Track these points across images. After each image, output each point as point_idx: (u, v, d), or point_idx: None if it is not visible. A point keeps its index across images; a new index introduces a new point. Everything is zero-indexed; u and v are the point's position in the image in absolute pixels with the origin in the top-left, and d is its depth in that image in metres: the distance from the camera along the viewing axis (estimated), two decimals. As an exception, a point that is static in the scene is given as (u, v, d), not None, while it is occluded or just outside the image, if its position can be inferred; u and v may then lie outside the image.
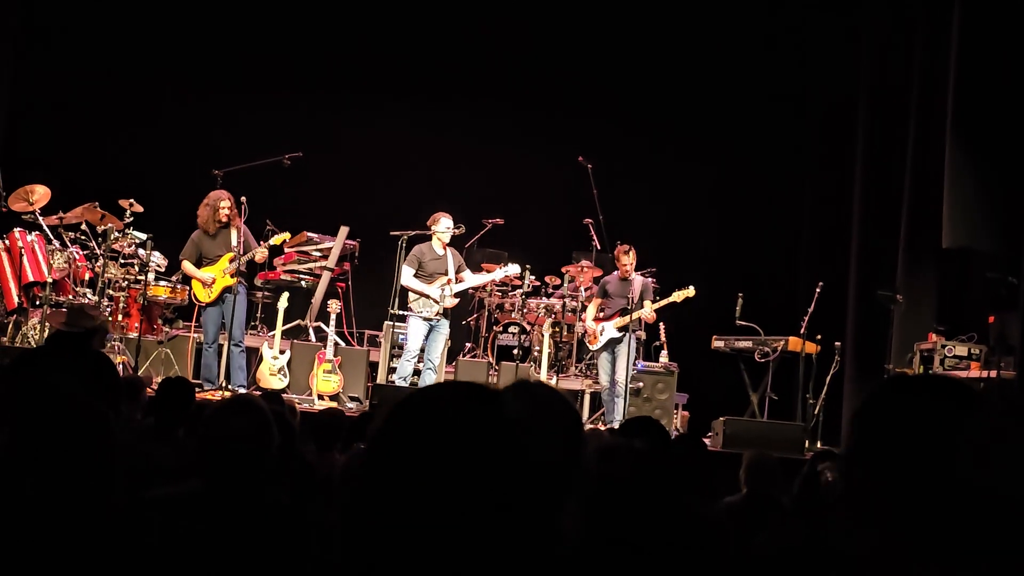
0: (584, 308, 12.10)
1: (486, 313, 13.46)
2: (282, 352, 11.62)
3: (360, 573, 1.62)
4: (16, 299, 11.08)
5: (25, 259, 11.06)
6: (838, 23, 13.77)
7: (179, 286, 11.73)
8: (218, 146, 13.34)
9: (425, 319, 11.14)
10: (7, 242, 11.21)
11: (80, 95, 13.95)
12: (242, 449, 3.17)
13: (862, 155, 13.12)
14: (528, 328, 12.86)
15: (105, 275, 11.29)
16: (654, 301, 11.50)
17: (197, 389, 9.57)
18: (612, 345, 11.48)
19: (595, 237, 13.14)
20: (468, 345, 13.46)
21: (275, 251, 11.99)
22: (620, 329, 11.41)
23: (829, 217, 13.68)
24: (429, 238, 11.36)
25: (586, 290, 12.60)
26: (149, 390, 7.12)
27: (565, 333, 12.73)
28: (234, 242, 10.93)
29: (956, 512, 1.63)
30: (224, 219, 10.98)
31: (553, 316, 12.74)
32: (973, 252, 11.41)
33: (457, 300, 11.41)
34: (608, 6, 14.89)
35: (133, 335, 11.17)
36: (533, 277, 12.44)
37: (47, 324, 10.60)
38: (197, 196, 11.42)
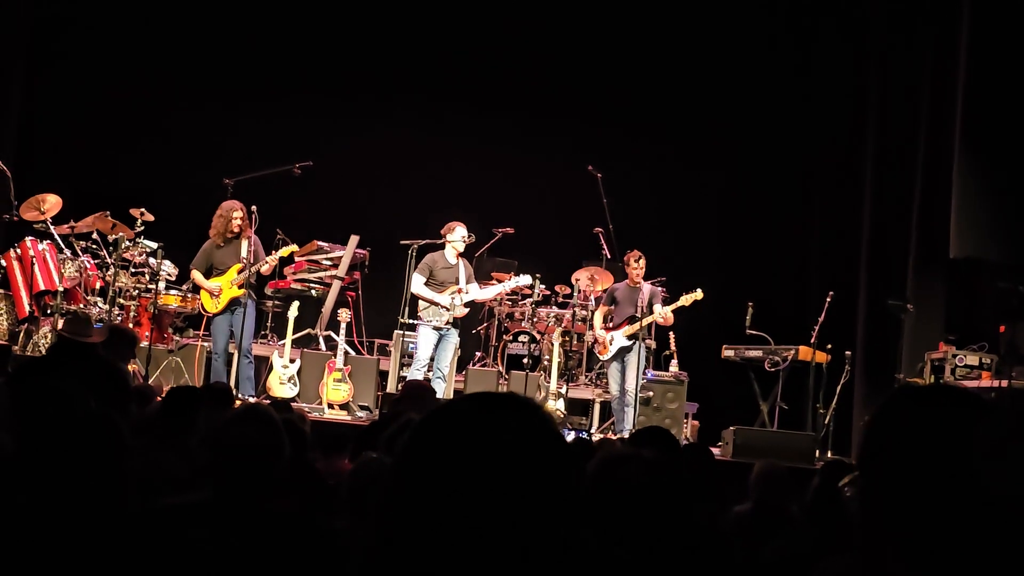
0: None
1: (496, 322, 13.45)
2: (292, 361, 11.63)
3: None
4: (27, 308, 11.11)
5: (36, 268, 11.09)
6: (847, 32, 13.75)
7: (189, 295, 11.75)
8: (229, 155, 13.37)
9: (435, 328, 11.14)
10: (19, 251, 11.25)
11: (91, 104, 14.01)
12: (253, 458, 3.17)
13: (872, 163, 13.09)
14: (538, 337, 12.85)
15: (116, 284, 11.32)
16: (665, 305, 11.47)
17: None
18: (622, 354, 11.46)
19: (605, 246, 13.13)
20: (478, 354, 13.45)
21: (285, 260, 12.00)
22: (630, 337, 11.39)
23: (839, 226, 13.65)
24: (439, 247, 11.35)
25: (597, 300, 12.58)
26: (158, 398, 7.13)
27: (575, 342, 12.71)
28: (244, 253, 10.92)
29: (968, 522, 1.62)
30: (236, 229, 10.98)
31: (563, 325, 12.72)
32: (983, 262, 11.38)
33: (467, 310, 11.41)
34: (619, 14, 14.90)
35: (144, 344, 11.18)
36: (543, 286, 12.42)
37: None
38: (208, 205, 11.44)
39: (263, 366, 11.64)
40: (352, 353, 12.26)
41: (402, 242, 11.47)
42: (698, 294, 11.31)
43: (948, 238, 10.99)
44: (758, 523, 4.91)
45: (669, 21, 14.70)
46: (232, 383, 11.01)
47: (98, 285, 11.53)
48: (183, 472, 4.44)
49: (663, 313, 11.32)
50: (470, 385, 12.02)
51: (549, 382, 11.73)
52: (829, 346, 11.82)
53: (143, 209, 11.76)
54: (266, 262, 11.00)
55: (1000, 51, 10.86)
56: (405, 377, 11.37)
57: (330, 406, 11.41)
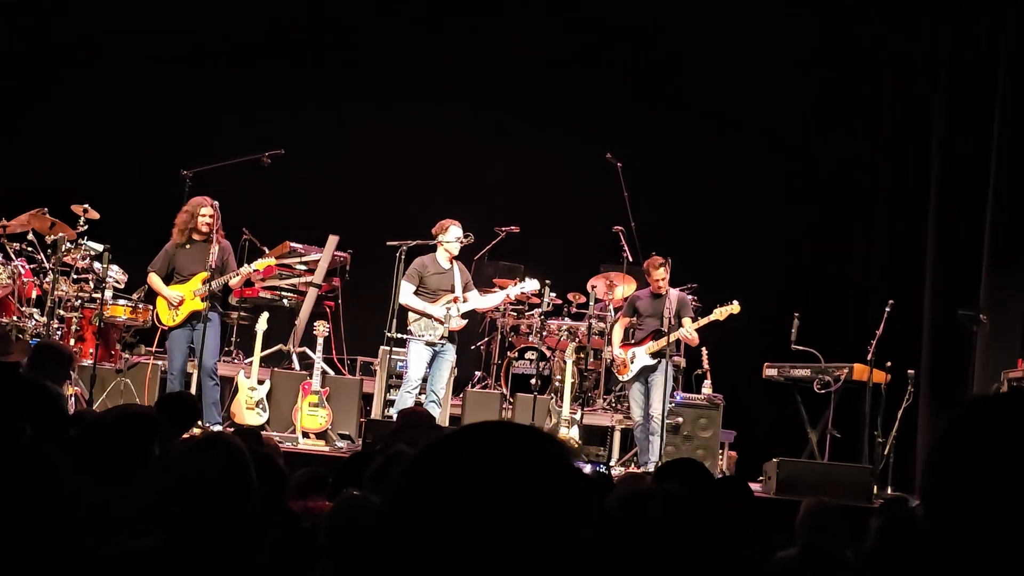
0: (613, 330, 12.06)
1: (499, 336, 13.45)
2: (261, 382, 11.62)
3: None
4: (-49, 321, 11.11)
5: (-38, 274, 11.10)
6: (914, 19, 13.78)
7: (141, 306, 11.74)
8: (187, 142, 13.37)
9: (428, 343, 11.14)
10: (-61, 255, 11.27)
11: (24, 84, 14.01)
12: (214, 497, 3.16)
13: (939, 155, 13.08)
14: (548, 354, 12.83)
15: (55, 293, 11.31)
16: (694, 320, 11.47)
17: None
18: (645, 374, 11.45)
19: (626, 247, 13.11)
20: (478, 374, 13.44)
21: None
22: (654, 355, 11.38)
23: (902, 225, 13.64)
24: (432, 249, 11.35)
25: (616, 310, 12.57)
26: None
27: (591, 360, 12.70)
28: (212, 259, 10.89)
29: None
30: (204, 230, 10.93)
31: (577, 340, 12.71)
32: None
33: (465, 321, 11.41)
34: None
35: (88, 362, 11.17)
36: (554, 295, 12.42)
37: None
38: (163, 200, 11.45)
39: (227, 388, 11.63)
40: (331, 373, 12.25)
41: (389, 243, 11.46)
42: (734, 307, 11.28)
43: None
44: (806, 571, 4.89)
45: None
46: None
47: (34, 294, 11.53)
48: (131, 513, 4.43)
49: (687, 332, 11.29)
50: (469, 410, 12.01)
51: (561, 407, 11.72)
52: (889, 364, 11.80)
53: (87, 206, 11.76)
54: (237, 273, 10.97)
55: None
56: (392, 401, 11.37)
57: (305, 435, 11.40)
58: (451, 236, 11.25)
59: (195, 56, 14.41)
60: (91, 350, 11.26)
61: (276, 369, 12.15)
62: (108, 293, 11.46)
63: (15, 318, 11.17)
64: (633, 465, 11.55)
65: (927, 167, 13.23)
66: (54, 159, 13.63)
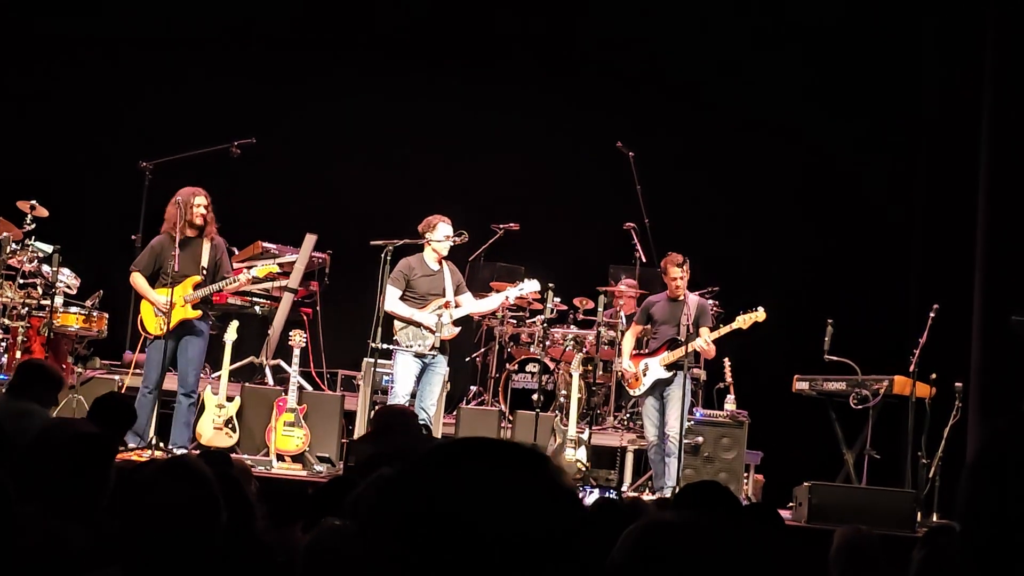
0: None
1: (496, 347, 13.45)
2: (230, 399, 11.61)
3: None
4: None
5: None
6: (957, 4, 13.85)
7: (95, 314, 11.73)
8: (147, 130, 13.38)
9: (416, 355, 11.13)
10: None
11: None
12: (176, 527, 3.16)
13: (988, 146, 13.09)
14: (551, 366, 12.83)
15: (-1, 299, 11.33)
16: (713, 328, 11.45)
17: (120, 447, 9.55)
18: (660, 388, 11.43)
19: (639, 246, 13.13)
20: (473, 389, 13.44)
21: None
22: (669, 367, 11.37)
23: (947, 222, 13.64)
24: (421, 249, 11.35)
25: (628, 317, 12.57)
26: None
27: (600, 373, 12.71)
28: (204, 260, 10.84)
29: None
30: (199, 223, 10.84)
31: (584, 350, 12.71)
32: None
33: (458, 330, 11.40)
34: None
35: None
36: (558, 299, 12.42)
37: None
38: (118, 195, 11.46)
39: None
40: (308, 388, 12.24)
41: (373, 243, 11.46)
42: (759, 314, 11.27)
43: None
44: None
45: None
46: (153, 427, 10.97)
47: (-24, 301, 11.53)
48: (86, 543, 4.43)
49: (703, 343, 11.27)
50: (463, 429, 11.99)
51: (567, 425, 11.72)
52: (934, 376, 11.80)
53: (34, 202, 11.76)
54: (235, 279, 10.89)
55: None
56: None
57: (280, 457, 11.40)
58: (439, 234, 11.23)
59: (154, 38, 14.39)
60: (40, 363, 11.24)
61: (247, 384, 12.14)
62: (58, 299, 11.44)
63: (-46, 328, 11.17)
64: (647, 491, 11.54)
65: (974, 158, 13.23)
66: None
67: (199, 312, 10.82)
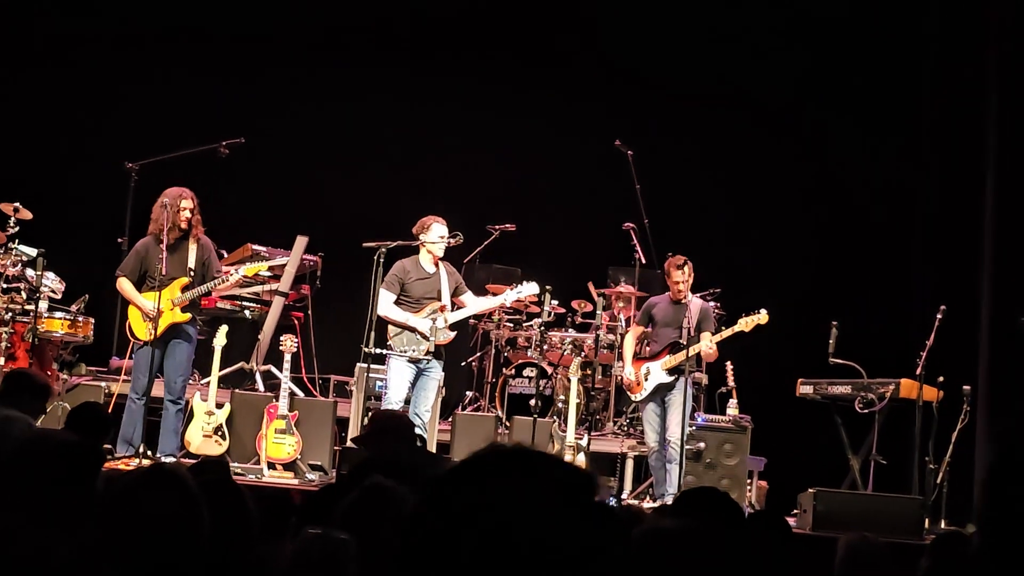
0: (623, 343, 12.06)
1: (493, 351, 13.44)
2: (219, 406, 11.60)
3: None
4: None
5: None
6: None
7: (81, 319, 11.72)
8: (132, 130, 13.37)
9: (411, 360, 11.12)
10: None
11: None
12: (159, 537, 3.15)
13: (995, 142, 13.10)
14: (549, 371, 12.83)
15: (-18, 305, 11.31)
16: (716, 332, 11.45)
17: (108, 455, 9.55)
18: (661, 393, 11.42)
19: (638, 247, 13.12)
20: (469, 394, 13.43)
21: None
22: (671, 371, 11.36)
23: (953, 221, 13.64)
24: (416, 251, 11.34)
25: (627, 320, 12.56)
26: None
27: (599, 377, 12.70)
28: (191, 262, 10.83)
29: None
30: (185, 225, 10.83)
31: (583, 354, 12.71)
32: None
33: (453, 334, 11.39)
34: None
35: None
36: (556, 302, 12.42)
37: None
38: (104, 197, 11.44)
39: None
40: (300, 395, 12.24)
41: (366, 245, 11.46)
42: (761, 316, 11.26)
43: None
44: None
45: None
46: (140, 435, 10.95)
47: (-42, 307, 11.52)
48: (71, 554, 4.42)
49: (705, 346, 11.26)
50: (459, 436, 11.99)
51: (565, 431, 11.71)
52: (941, 379, 11.80)
53: (17, 204, 11.75)
54: (225, 278, 10.89)
55: None
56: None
57: (271, 466, 11.39)
58: (434, 235, 11.21)
59: (140, 35, 14.39)
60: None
61: (237, 391, 12.14)
62: (43, 304, 11.43)
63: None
64: (648, 498, 11.54)
65: (981, 155, 13.22)
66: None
67: (188, 316, 10.82)
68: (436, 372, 11.24)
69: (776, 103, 14.50)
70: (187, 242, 10.85)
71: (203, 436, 11.43)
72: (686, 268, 11.39)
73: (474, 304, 11.54)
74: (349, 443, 11.08)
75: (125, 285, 10.89)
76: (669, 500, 10.57)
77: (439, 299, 11.23)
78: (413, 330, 11.12)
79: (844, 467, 12.45)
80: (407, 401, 11.13)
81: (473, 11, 14.78)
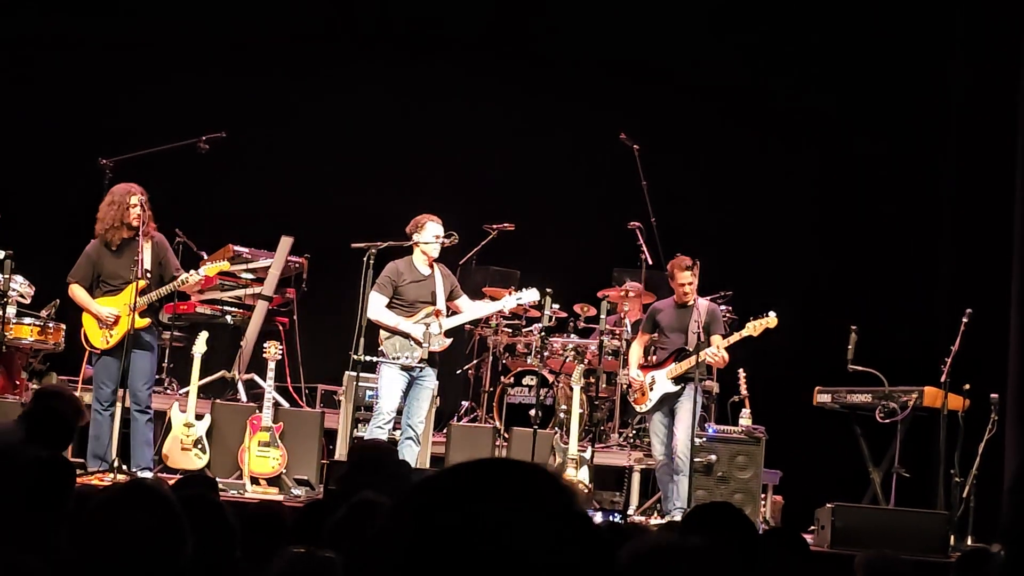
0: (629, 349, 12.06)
1: (490, 358, 13.44)
2: (199, 417, 11.61)
3: None
4: None
5: None
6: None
7: (52, 325, 11.72)
8: (107, 125, 13.37)
9: (403, 368, 11.12)
10: None
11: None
12: (137, 556, 3.16)
13: (1023, 138, 13.12)
14: (550, 379, 12.83)
15: (-53, 310, 11.32)
16: (725, 335, 11.40)
17: (79, 470, 9.54)
18: (668, 402, 11.40)
19: (645, 248, 13.12)
20: (465, 404, 13.43)
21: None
22: (678, 380, 11.34)
23: (980, 221, 13.65)
24: (409, 251, 11.34)
25: (634, 324, 12.56)
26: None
27: (604, 386, 12.70)
28: (147, 263, 10.80)
29: None
30: (135, 224, 10.82)
31: (586, 361, 12.71)
32: None
33: (450, 341, 11.39)
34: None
35: None
36: (557, 306, 12.42)
37: None
38: (76, 196, 11.43)
39: (159, 424, 11.61)
40: (285, 405, 12.24)
41: (354, 245, 11.46)
42: (770, 320, 11.23)
43: None
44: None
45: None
46: (115, 448, 10.96)
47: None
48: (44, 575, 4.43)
49: (714, 352, 11.20)
50: (454, 449, 12.01)
51: (567, 443, 11.72)
52: (967, 387, 11.80)
53: (-17, 203, 11.77)
54: (184, 279, 10.86)
55: None
56: (361, 438, 11.34)
57: (255, 481, 11.39)
58: (428, 235, 11.20)
59: (114, 27, 14.38)
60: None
61: (218, 401, 12.13)
62: (11, 309, 11.44)
63: None
64: (656, 514, 11.54)
65: (1009, 151, 13.23)
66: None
67: (147, 320, 10.78)
68: (430, 381, 11.24)
69: (791, 99, 14.50)
70: (138, 242, 10.75)
71: (182, 449, 11.44)
72: (693, 269, 11.32)
73: (471, 309, 11.54)
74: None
75: (78, 292, 10.86)
76: (677, 515, 10.58)
77: (433, 303, 11.23)
78: (406, 335, 11.12)
79: (864, 480, 12.46)
80: (399, 411, 11.13)
81: (465, 5, 14.79)
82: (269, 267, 13.11)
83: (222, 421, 11.77)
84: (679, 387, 11.32)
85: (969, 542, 10.94)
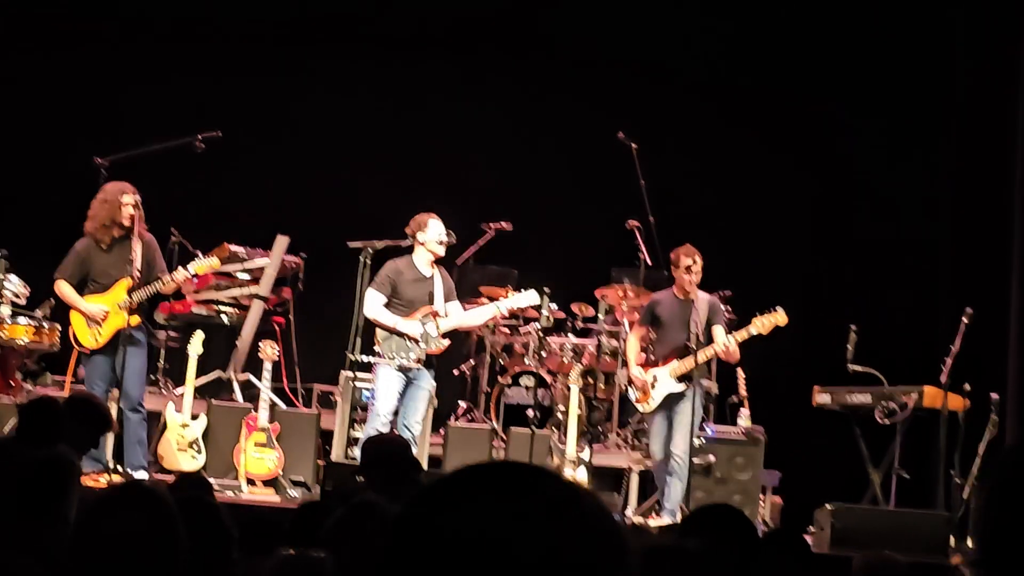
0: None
1: (487, 358, 13.44)
2: (195, 417, 11.60)
3: None
4: None
5: None
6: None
7: (47, 325, 11.71)
8: (102, 124, 13.37)
9: (400, 368, 11.10)
10: None
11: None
12: (132, 558, 3.16)
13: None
14: (548, 379, 12.83)
15: (-60, 310, 11.33)
16: (728, 331, 11.30)
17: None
18: (671, 403, 11.33)
19: (643, 247, 13.12)
20: (462, 404, 13.42)
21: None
22: (681, 378, 11.27)
23: (980, 220, 13.65)
24: (407, 251, 11.32)
25: (631, 324, 12.56)
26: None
27: (602, 386, 12.70)
28: (137, 262, 10.79)
29: None
30: (127, 223, 10.82)
31: (584, 361, 12.71)
32: None
33: (447, 342, 11.36)
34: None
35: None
36: (555, 306, 12.42)
37: None
38: (70, 195, 11.42)
39: (154, 425, 11.62)
40: (281, 406, 12.23)
41: (351, 244, 11.46)
42: (779, 316, 11.16)
43: None
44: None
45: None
46: (110, 449, 10.97)
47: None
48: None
49: (725, 343, 11.13)
50: (451, 450, 11.99)
51: (565, 444, 11.72)
52: (968, 387, 11.80)
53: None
54: (170, 279, 10.87)
55: None
56: (357, 439, 11.33)
57: (250, 482, 11.38)
58: (432, 234, 11.13)
59: (109, 21, 14.37)
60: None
61: (214, 401, 12.12)
62: (6, 310, 11.44)
63: None
64: (654, 513, 11.53)
65: (1009, 151, 13.24)
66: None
67: (137, 319, 10.78)
68: (427, 382, 11.21)
69: (791, 97, 14.50)
70: (129, 241, 10.75)
71: (177, 450, 11.43)
72: (697, 262, 11.11)
73: (458, 317, 11.37)
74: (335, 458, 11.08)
75: (65, 289, 10.84)
76: (666, 516, 10.59)
77: (432, 304, 11.21)
78: (402, 335, 11.10)
79: (864, 481, 12.44)
80: (396, 413, 11.11)
81: (464, 4, 14.79)
82: (265, 267, 13.10)
83: (218, 422, 11.75)
84: (683, 386, 11.17)
85: (969, 544, 10.94)
